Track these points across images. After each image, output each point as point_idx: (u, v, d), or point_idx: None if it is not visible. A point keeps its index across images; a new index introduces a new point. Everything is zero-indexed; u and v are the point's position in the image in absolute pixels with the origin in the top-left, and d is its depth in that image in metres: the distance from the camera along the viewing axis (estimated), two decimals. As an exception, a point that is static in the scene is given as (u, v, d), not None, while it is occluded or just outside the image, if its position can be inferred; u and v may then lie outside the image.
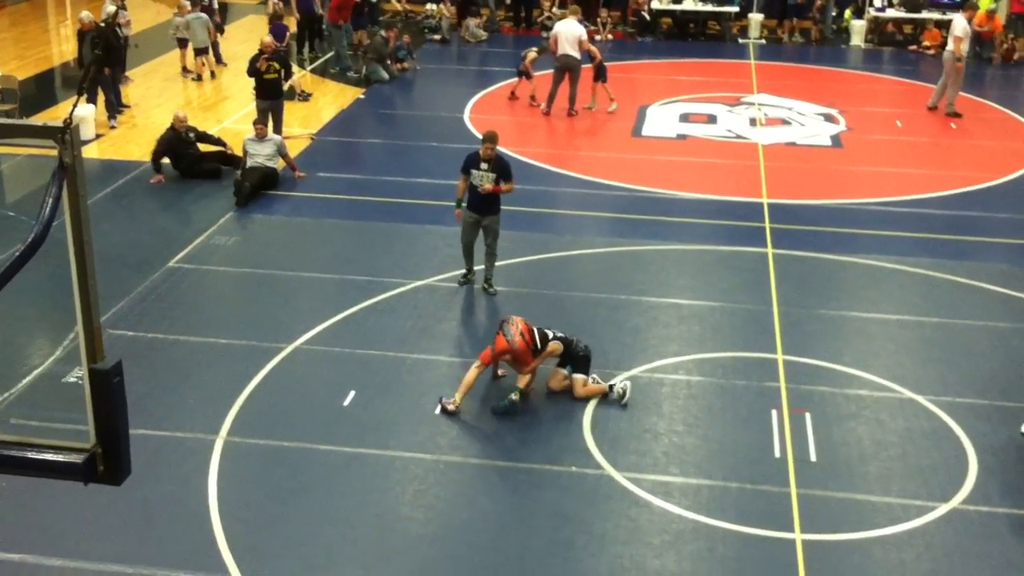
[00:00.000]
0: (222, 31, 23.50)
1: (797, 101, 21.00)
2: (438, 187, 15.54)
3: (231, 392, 10.20)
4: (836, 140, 18.74)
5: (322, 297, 12.25)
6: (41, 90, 21.30)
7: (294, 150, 16.86)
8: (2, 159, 16.26)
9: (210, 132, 16.91)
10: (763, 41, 26.69)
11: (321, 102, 20.71)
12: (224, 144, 16.68)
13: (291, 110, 18.91)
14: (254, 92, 17.44)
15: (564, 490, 8.90)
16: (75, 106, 3.93)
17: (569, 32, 19.25)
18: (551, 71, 19.78)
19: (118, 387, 3.92)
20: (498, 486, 9.00)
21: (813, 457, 9.38)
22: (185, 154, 16.05)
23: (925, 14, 26.38)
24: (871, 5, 26.84)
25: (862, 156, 17.81)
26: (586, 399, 10.07)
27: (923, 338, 11.61)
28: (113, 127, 18.36)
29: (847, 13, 26.98)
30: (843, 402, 10.28)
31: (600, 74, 19.82)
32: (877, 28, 26.80)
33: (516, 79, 20.91)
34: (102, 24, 18.73)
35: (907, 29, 26.99)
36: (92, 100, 18.33)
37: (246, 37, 24.37)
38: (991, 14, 24.26)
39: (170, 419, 9.75)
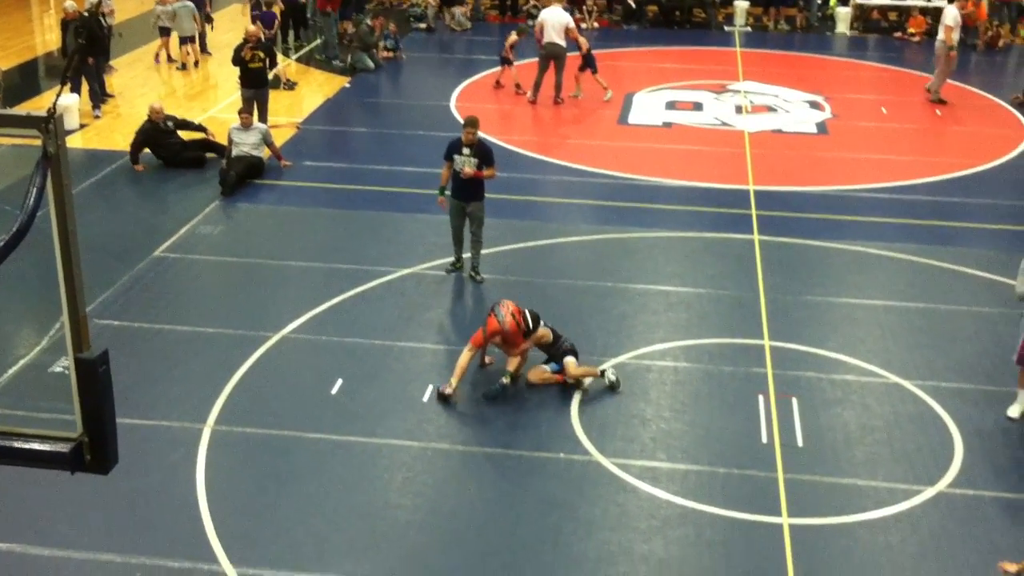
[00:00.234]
0: (211, 20, 23.38)
1: (783, 88, 21.03)
2: (424, 175, 15.51)
3: (218, 381, 10.19)
4: (822, 127, 18.78)
5: (309, 286, 12.24)
6: (25, 80, 21.20)
7: (280, 139, 16.81)
8: (-14, 149, 16.19)
9: (190, 119, 16.83)
10: (749, 28, 26.70)
11: (306, 91, 20.66)
12: (205, 130, 16.62)
13: (276, 99, 18.85)
14: (239, 81, 17.38)
15: (552, 476, 8.93)
16: (59, 95, 3.93)
17: (555, 20, 19.23)
18: (536, 59, 19.76)
19: (104, 376, 3.92)
20: (486, 473, 9.01)
21: (800, 442, 9.42)
22: (166, 144, 15.98)
23: (910, 1, 26.42)
24: (856, -8, 26.89)
25: (848, 143, 17.86)
26: (576, 383, 10.06)
27: (909, 323, 11.66)
28: (97, 117, 18.29)
29: (832, 0, 27.02)
30: (829, 387, 10.32)
31: (589, 64, 19.80)
32: (862, 15, 26.84)
33: (500, 67, 20.88)
34: (86, 13, 18.62)
35: (892, 16, 27.03)
36: (76, 90, 18.26)
37: (231, 26, 24.28)
38: (976, 1, 24.30)
39: (157, 408, 9.74)
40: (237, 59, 17.01)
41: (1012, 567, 7.83)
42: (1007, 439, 9.57)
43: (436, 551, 8.05)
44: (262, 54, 17.05)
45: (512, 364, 10.10)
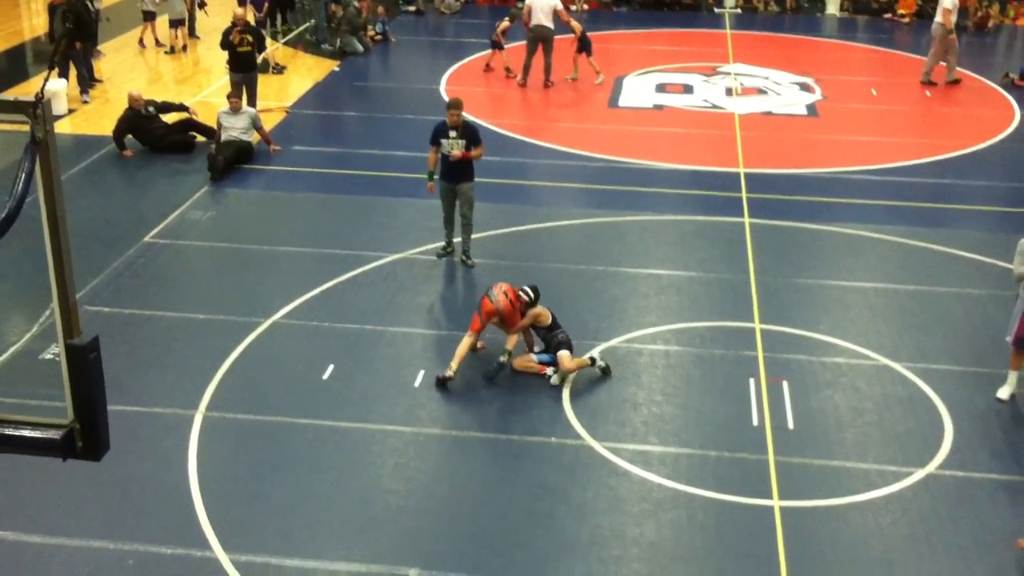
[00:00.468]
0: (204, 4, 23.22)
1: (773, 70, 21.02)
2: (414, 159, 15.47)
3: (209, 367, 10.18)
4: (812, 109, 18.78)
5: (299, 271, 12.22)
6: (12, 65, 21.09)
7: (269, 123, 16.76)
8: (-27, 135, 16.10)
9: (171, 101, 16.73)
10: (739, 10, 26.67)
11: (295, 75, 20.59)
12: (187, 109, 16.51)
13: (265, 83, 18.78)
14: (227, 65, 17.31)
15: (544, 461, 8.94)
16: (46, 80, 3.90)
17: (543, 2, 19.17)
18: (525, 42, 19.71)
19: (95, 363, 3.91)
20: (478, 458, 9.02)
21: (791, 425, 9.45)
22: (149, 129, 15.91)
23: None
24: (846, -27, 26.86)
25: (838, 125, 17.86)
26: (574, 369, 10.01)
27: (899, 306, 11.69)
28: (85, 102, 18.20)
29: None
30: (820, 370, 10.34)
31: (584, 47, 19.77)
32: (852, -4, 26.83)
33: (490, 51, 20.83)
34: (73, -2, 18.50)
35: (882, -3, 27.02)
36: (64, 75, 18.16)
37: (219, 10, 24.14)
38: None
39: (149, 395, 9.73)
40: (225, 43, 16.93)
41: None
42: (997, 421, 9.61)
43: (429, 536, 8.06)
44: (250, 38, 16.96)
45: (510, 342, 10.13)
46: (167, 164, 15.57)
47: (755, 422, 9.48)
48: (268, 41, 20.80)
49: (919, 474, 8.84)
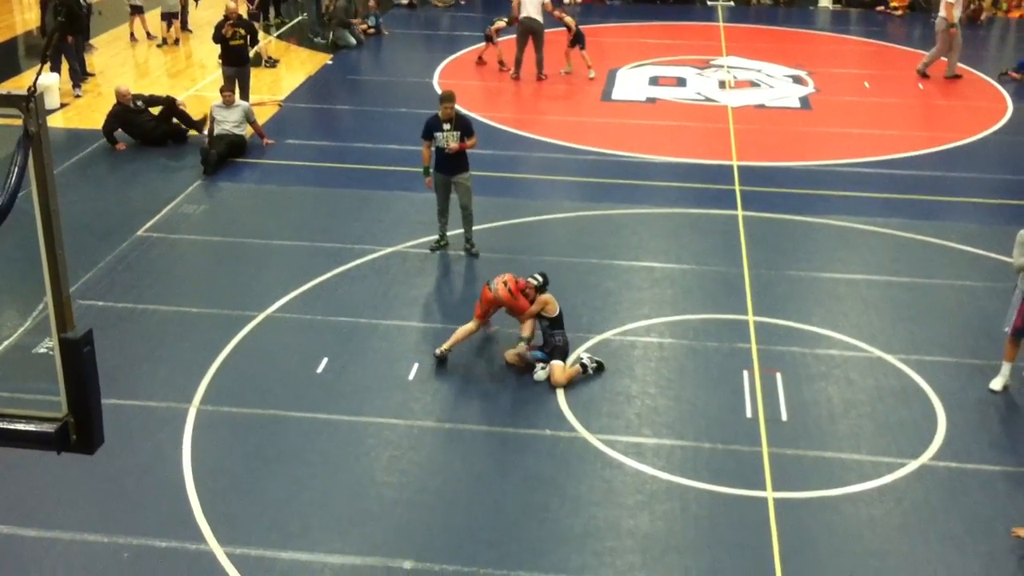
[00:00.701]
0: None
1: (766, 63, 21.02)
2: (407, 153, 15.47)
3: (203, 361, 10.17)
4: (805, 102, 18.79)
5: (293, 265, 12.21)
6: (4, 59, 21.03)
7: (262, 117, 16.73)
8: (-35, 129, 16.06)
9: (157, 94, 16.65)
10: (732, 3, 26.67)
11: (288, 68, 20.55)
12: (174, 101, 16.36)
13: (258, 77, 18.76)
14: (220, 59, 17.27)
15: (538, 453, 8.95)
16: (39, 74, 3.90)
17: (533, -5, 19.14)
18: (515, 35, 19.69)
19: (89, 356, 3.91)
20: (472, 450, 9.03)
21: (784, 416, 9.47)
22: (139, 123, 15.88)
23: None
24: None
25: (831, 118, 17.88)
26: (564, 383, 9.87)
27: (892, 298, 11.71)
28: (78, 96, 18.17)
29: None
30: (813, 362, 10.37)
31: (578, 40, 19.76)
32: (845, -11, 26.83)
33: (483, 44, 20.82)
34: (64, -8, 18.45)
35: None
36: (56, 69, 18.12)
37: (212, 3, 24.09)
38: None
39: (142, 389, 9.73)
40: (218, 36, 16.90)
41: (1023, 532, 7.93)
42: (989, 412, 9.64)
43: (423, 528, 8.07)
44: (243, 31, 16.95)
45: (525, 329, 10.18)
46: (160, 158, 15.55)
47: (749, 414, 9.50)
48: (261, 35, 20.76)
49: (912, 465, 8.87)
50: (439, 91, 18.53)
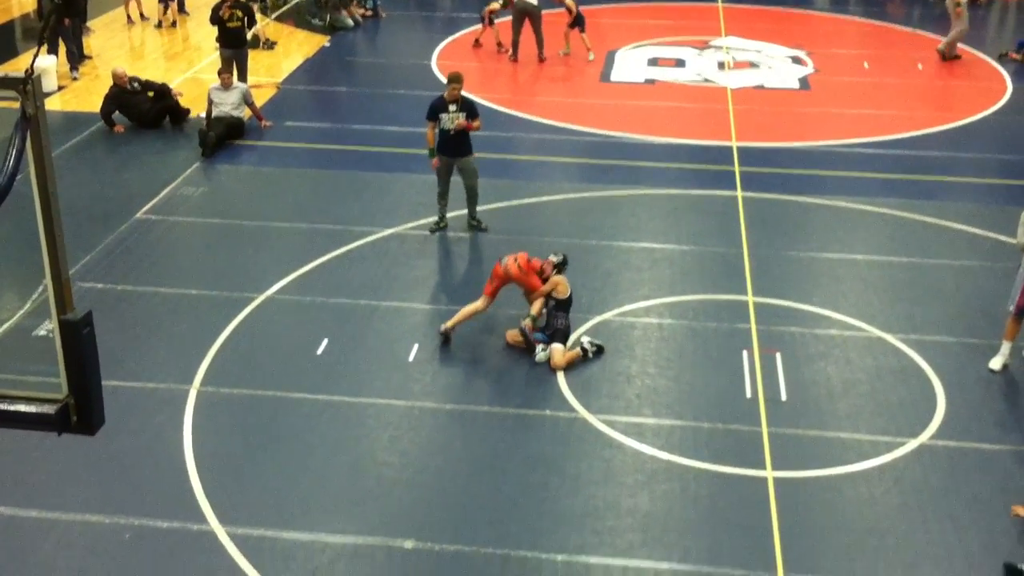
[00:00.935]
0: None
1: (765, 44, 20.96)
2: (406, 134, 15.46)
3: (203, 343, 10.19)
4: (804, 82, 18.74)
5: (292, 247, 12.21)
6: (1, 42, 20.97)
7: (260, 99, 16.70)
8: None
9: (154, 81, 16.58)
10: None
11: (286, 50, 20.49)
12: (169, 89, 16.27)
13: (256, 59, 18.71)
14: (217, 41, 17.22)
15: (538, 433, 8.97)
16: (36, 57, 3.89)
17: (527, -24, 19.08)
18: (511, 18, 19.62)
19: (88, 337, 3.92)
20: (472, 431, 9.05)
21: (783, 396, 9.49)
22: (135, 104, 15.83)
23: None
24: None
25: (830, 98, 17.84)
26: (563, 366, 9.89)
27: (891, 278, 11.72)
28: (75, 78, 18.12)
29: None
30: (812, 342, 10.38)
31: (578, 22, 19.70)
32: (844, -31, 26.71)
33: (480, 26, 20.75)
34: (61, -26, 18.37)
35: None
36: (53, 51, 18.06)
37: (208, -15, 24.01)
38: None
39: (143, 370, 9.74)
40: (215, 18, 16.84)
41: (1022, 510, 7.93)
42: (989, 391, 9.66)
43: (423, 509, 8.10)
44: (240, 13, 16.88)
45: (535, 307, 10.19)
46: (158, 140, 15.52)
47: (748, 394, 9.51)
48: (258, 16, 20.68)
49: (912, 444, 8.89)
50: (437, 73, 18.57)
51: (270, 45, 20.39)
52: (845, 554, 7.69)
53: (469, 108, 12.18)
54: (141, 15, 21.98)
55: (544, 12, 19.33)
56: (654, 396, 9.52)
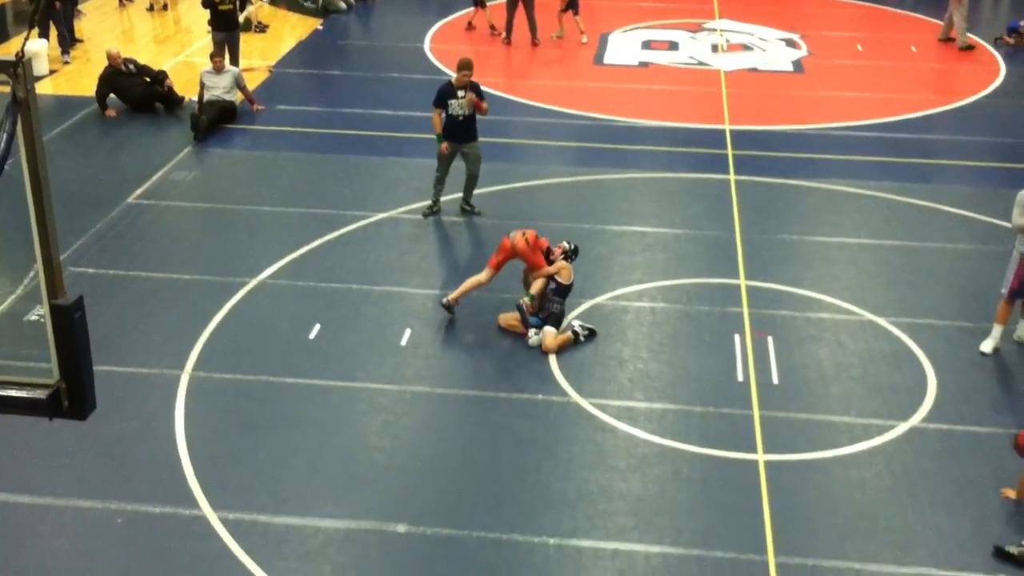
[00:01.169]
0: None
1: (759, 26, 20.94)
2: (399, 118, 15.44)
3: (195, 327, 10.18)
4: (798, 65, 18.73)
5: (284, 231, 12.19)
6: (-9, 25, 20.88)
7: (252, 83, 16.65)
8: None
9: (150, 67, 16.51)
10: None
11: (278, 33, 20.42)
12: (165, 76, 16.18)
13: (248, 42, 18.65)
14: (209, 24, 17.16)
15: (530, 417, 8.99)
16: (26, 39, 3.88)
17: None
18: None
19: (80, 322, 3.92)
20: (465, 415, 9.07)
21: (775, 380, 9.51)
22: (130, 86, 15.77)
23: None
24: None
25: (823, 81, 17.83)
26: (555, 350, 9.90)
27: (884, 261, 11.73)
28: (67, 62, 18.04)
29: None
30: (804, 325, 10.40)
31: (571, 4, 19.66)
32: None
33: (472, 8, 20.69)
34: (51, -44, 18.27)
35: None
36: (44, 35, 17.99)
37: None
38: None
39: (135, 355, 9.73)
40: (207, 1, 16.77)
41: (1012, 493, 7.98)
42: (979, 374, 9.69)
43: (415, 493, 8.11)
44: (232, -5, 16.81)
45: (535, 286, 10.21)
46: (149, 125, 15.47)
47: (740, 377, 9.53)
48: (250, -1, 20.62)
49: (903, 427, 8.92)
50: (431, 56, 18.53)
51: (262, 28, 20.32)
52: (836, 537, 7.72)
53: (476, 92, 12.24)
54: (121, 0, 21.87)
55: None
56: (646, 380, 9.54)
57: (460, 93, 12.11)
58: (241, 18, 17.83)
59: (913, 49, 19.58)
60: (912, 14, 21.62)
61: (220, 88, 15.27)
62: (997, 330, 9.96)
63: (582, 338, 10.02)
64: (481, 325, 10.34)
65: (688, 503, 8.03)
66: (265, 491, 8.06)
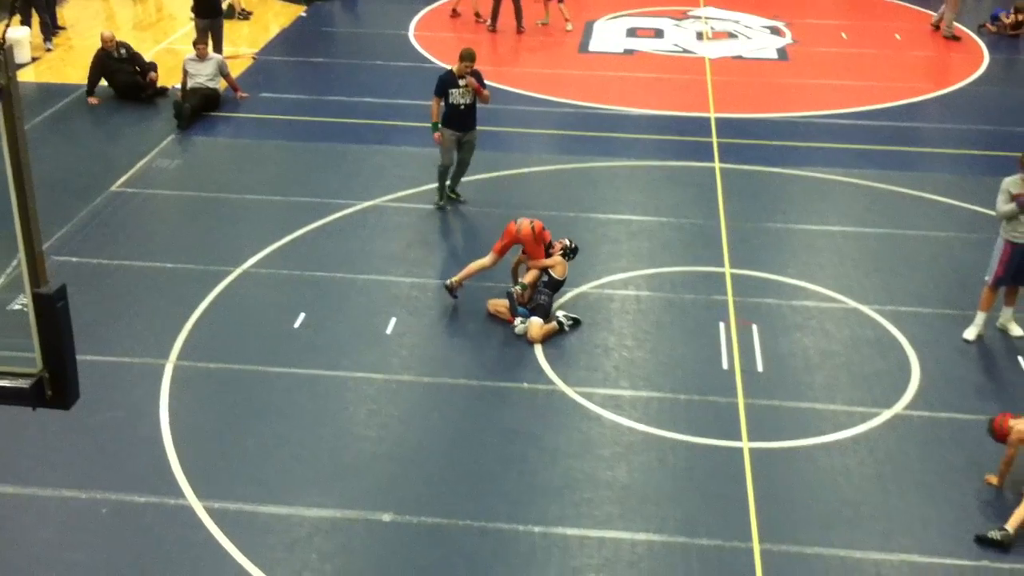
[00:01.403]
0: None
1: (743, 14, 20.93)
2: (383, 107, 15.40)
3: (179, 316, 10.14)
4: (782, 53, 18.74)
5: (269, 220, 12.15)
6: (-28, 12, 20.70)
7: (236, 70, 16.57)
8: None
9: (142, 56, 16.41)
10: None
11: (262, 21, 20.32)
12: (154, 68, 16.08)
13: (232, 29, 18.55)
14: (192, 11, 17.06)
15: (516, 406, 8.99)
16: (7, 26, 3.85)
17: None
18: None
19: (63, 311, 3.90)
20: (450, 404, 9.07)
21: (760, 368, 9.53)
22: (120, 71, 15.68)
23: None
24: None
25: (808, 69, 17.85)
26: (540, 340, 9.89)
27: (868, 249, 11.77)
28: (49, 50, 17.92)
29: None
30: (789, 313, 10.43)
31: None
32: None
33: (458, -6, 20.63)
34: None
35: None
36: (26, 22, 17.86)
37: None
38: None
39: (119, 345, 9.70)
40: (190, -11, 16.69)
41: (995, 479, 8.03)
42: (962, 361, 9.73)
43: (402, 481, 8.11)
44: (215, -18, 16.73)
45: (528, 276, 10.23)
46: (133, 113, 15.38)
47: (725, 365, 9.56)
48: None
49: (886, 415, 8.96)
50: (415, 43, 18.47)
51: (246, 15, 20.21)
52: (820, 524, 7.75)
53: (477, 77, 12.28)
54: None
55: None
56: (631, 368, 9.55)
57: (462, 82, 12.12)
58: (224, 5, 17.75)
59: (897, 37, 19.61)
60: (897, 2, 21.64)
61: (203, 76, 15.19)
62: (980, 317, 10.00)
63: (567, 328, 10.03)
64: (466, 314, 10.34)
65: (673, 491, 8.06)
66: (250, 480, 8.05)
